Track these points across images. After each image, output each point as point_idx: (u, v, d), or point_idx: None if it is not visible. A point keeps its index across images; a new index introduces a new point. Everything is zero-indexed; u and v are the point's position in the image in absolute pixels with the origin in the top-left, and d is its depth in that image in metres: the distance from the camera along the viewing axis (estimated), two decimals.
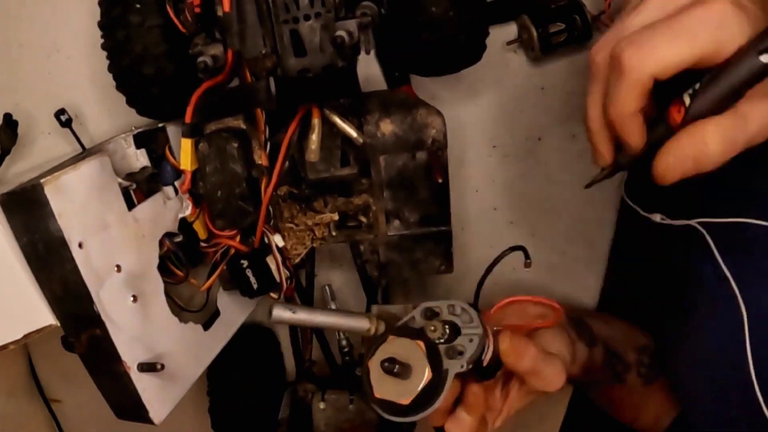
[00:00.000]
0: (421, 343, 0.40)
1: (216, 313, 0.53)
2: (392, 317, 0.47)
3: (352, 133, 0.46)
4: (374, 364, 0.41)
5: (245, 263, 0.49)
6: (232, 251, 0.49)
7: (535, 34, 0.52)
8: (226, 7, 0.41)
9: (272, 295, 0.51)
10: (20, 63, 0.54)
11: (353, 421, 0.57)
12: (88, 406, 0.69)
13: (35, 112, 0.55)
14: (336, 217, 0.52)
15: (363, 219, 0.52)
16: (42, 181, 0.37)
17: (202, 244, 0.50)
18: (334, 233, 0.53)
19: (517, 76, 0.56)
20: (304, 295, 0.56)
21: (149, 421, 0.43)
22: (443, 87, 0.55)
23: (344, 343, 0.60)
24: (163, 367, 0.42)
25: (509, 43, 0.54)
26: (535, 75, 0.56)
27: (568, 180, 0.58)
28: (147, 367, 0.42)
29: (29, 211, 0.38)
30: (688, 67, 0.32)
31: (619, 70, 0.33)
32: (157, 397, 0.43)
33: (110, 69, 0.46)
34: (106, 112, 0.55)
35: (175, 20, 0.43)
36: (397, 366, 0.39)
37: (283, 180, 0.49)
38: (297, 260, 0.53)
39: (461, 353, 0.42)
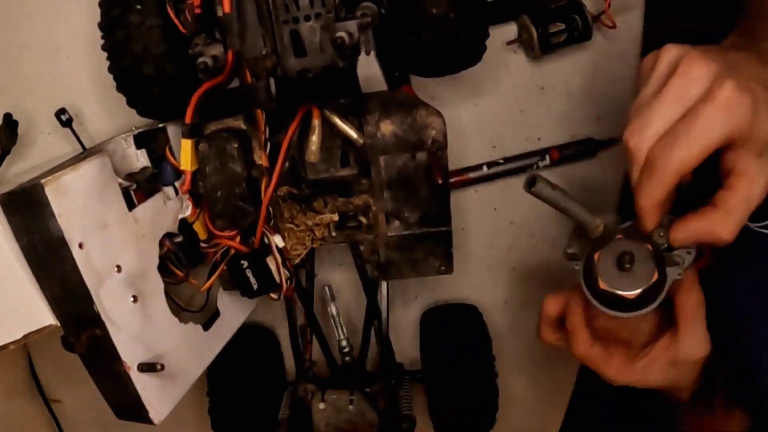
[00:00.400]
0: (649, 246, 0.42)
1: (216, 314, 0.53)
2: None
3: (353, 133, 0.46)
4: (603, 257, 0.43)
5: (245, 264, 0.49)
6: (232, 252, 0.49)
7: (535, 34, 0.52)
8: (227, 7, 0.41)
9: (272, 295, 0.51)
10: (20, 63, 0.54)
11: (353, 421, 0.57)
12: (88, 406, 0.69)
13: (35, 112, 0.55)
14: (336, 217, 0.52)
15: (363, 219, 0.52)
16: (42, 181, 0.37)
17: (202, 245, 0.49)
18: (334, 234, 0.53)
19: (517, 76, 0.56)
20: (304, 295, 0.56)
21: (149, 421, 0.43)
22: (443, 87, 0.55)
23: (344, 343, 0.60)
24: (163, 367, 0.42)
25: (509, 43, 0.54)
26: (535, 75, 0.56)
27: (567, 180, 0.58)
28: (147, 368, 0.42)
29: (29, 211, 0.38)
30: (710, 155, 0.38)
31: (650, 169, 0.39)
32: (157, 397, 0.43)
33: (110, 69, 0.46)
34: (106, 113, 0.55)
35: (176, 21, 0.43)
36: (631, 261, 0.42)
37: (283, 180, 0.49)
38: (297, 261, 0.53)
39: (677, 264, 0.43)
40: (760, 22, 0.45)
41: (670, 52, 0.40)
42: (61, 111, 0.52)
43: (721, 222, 0.39)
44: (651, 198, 0.40)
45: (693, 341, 0.46)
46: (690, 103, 0.38)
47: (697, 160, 0.38)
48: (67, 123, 0.52)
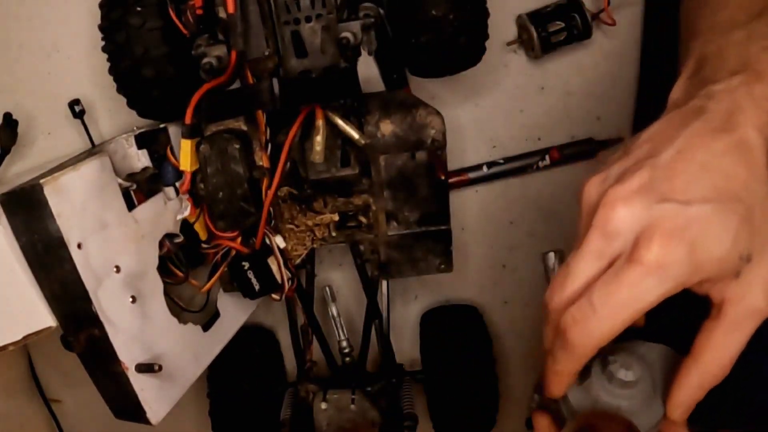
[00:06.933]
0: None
1: (216, 314, 0.53)
2: None
3: (354, 134, 0.46)
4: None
5: (246, 265, 0.49)
6: (233, 253, 0.49)
7: (534, 33, 0.52)
8: (230, 8, 0.41)
9: (274, 296, 0.51)
10: (20, 63, 0.54)
11: (355, 420, 0.57)
12: (88, 406, 0.69)
13: (35, 112, 0.55)
14: (336, 217, 0.52)
15: (363, 219, 0.52)
16: (41, 181, 0.37)
17: (203, 245, 0.49)
18: (334, 234, 0.53)
19: (517, 76, 0.56)
20: (304, 296, 0.56)
21: (146, 422, 0.43)
22: (443, 87, 0.55)
23: (345, 344, 0.60)
24: (160, 368, 0.42)
25: (509, 43, 0.54)
26: (535, 75, 0.56)
27: (567, 180, 0.58)
28: (145, 368, 0.42)
29: (29, 211, 0.38)
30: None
31: (563, 341, 0.32)
32: (155, 397, 0.43)
33: (111, 71, 0.46)
34: (107, 113, 0.55)
35: (177, 22, 0.43)
36: None
37: (283, 181, 0.49)
38: (297, 261, 0.53)
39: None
40: (712, 47, 0.35)
41: (589, 194, 0.32)
42: (75, 101, 0.51)
43: (702, 367, 0.32)
44: (562, 372, 0.33)
45: None
46: (611, 258, 0.31)
47: (619, 330, 0.31)
48: (80, 114, 0.51)
